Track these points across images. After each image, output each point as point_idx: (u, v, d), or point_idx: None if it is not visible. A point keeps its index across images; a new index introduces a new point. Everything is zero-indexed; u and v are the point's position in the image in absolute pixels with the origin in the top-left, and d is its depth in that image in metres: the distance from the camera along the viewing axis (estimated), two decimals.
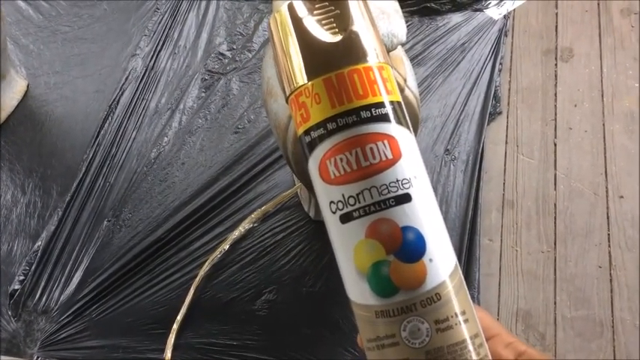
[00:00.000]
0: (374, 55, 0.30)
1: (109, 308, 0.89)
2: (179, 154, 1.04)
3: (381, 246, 0.28)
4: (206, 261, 0.90)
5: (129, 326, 0.87)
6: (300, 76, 0.30)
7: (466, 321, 0.28)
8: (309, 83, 0.29)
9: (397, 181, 0.28)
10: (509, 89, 1.10)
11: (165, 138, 1.06)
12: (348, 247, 0.29)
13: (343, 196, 0.29)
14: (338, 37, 0.29)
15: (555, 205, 0.96)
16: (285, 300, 0.88)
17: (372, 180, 0.28)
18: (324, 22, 0.30)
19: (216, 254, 0.91)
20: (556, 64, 1.13)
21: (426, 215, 0.29)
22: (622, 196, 0.96)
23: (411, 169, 0.29)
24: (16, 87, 1.12)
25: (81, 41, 1.22)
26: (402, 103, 0.30)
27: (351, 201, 0.28)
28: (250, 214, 0.95)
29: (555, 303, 0.88)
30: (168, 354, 0.83)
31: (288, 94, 0.31)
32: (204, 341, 0.85)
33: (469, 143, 1.01)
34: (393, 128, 0.29)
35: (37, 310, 0.90)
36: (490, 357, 0.29)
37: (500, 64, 1.12)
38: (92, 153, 1.04)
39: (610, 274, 0.90)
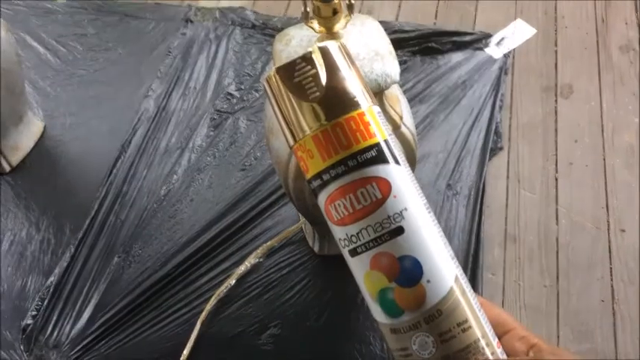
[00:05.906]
0: (355, 104, 0.33)
1: (118, 343, 0.91)
2: (188, 191, 1.07)
3: (384, 275, 0.32)
4: (212, 296, 0.92)
5: None
6: (292, 135, 0.34)
7: (469, 328, 0.32)
8: (301, 140, 0.33)
9: (389, 217, 0.32)
10: (510, 125, 1.12)
11: (175, 176, 1.10)
12: (360, 277, 0.33)
13: (347, 234, 0.33)
14: (317, 95, 0.33)
15: (557, 239, 0.97)
16: (290, 334, 0.89)
17: (367, 220, 0.32)
18: (304, 82, 0.33)
19: (222, 289, 0.93)
20: (556, 101, 1.15)
21: (420, 242, 0.32)
22: (623, 230, 0.97)
23: (401, 202, 0.32)
24: (34, 128, 1.17)
25: (96, 84, 1.27)
26: (390, 139, 0.34)
27: (354, 239, 0.32)
28: (256, 249, 0.97)
29: (558, 337, 0.88)
30: None
31: (290, 148, 0.35)
32: None
33: (471, 178, 1.03)
34: (380, 169, 0.32)
35: (49, 344, 0.92)
36: (500, 354, 0.33)
37: (501, 101, 1.14)
38: (104, 191, 1.08)
39: (613, 307, 0.90)
